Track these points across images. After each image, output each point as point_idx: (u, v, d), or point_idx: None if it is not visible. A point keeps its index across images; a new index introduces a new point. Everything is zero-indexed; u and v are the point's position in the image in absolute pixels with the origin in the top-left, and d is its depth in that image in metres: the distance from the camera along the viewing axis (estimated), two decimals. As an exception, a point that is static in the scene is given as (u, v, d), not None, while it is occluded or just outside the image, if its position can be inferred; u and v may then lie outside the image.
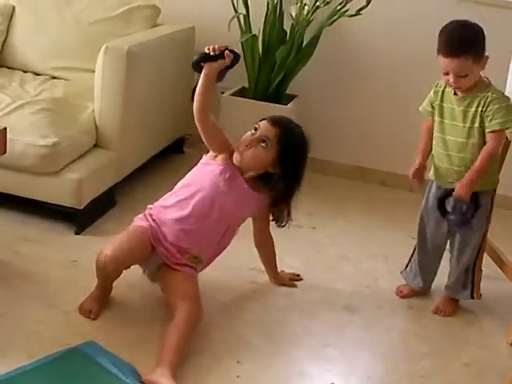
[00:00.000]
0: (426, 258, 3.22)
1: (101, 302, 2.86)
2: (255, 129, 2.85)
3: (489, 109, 2.89)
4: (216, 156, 2.92)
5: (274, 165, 2.86)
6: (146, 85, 3.73)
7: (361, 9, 3.99)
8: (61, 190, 3.33)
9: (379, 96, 4.45)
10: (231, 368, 2.65)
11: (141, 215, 2.93)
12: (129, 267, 2.84)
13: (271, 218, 3.05)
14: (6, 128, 2.84)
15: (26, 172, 3.31)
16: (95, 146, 3.55)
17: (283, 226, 3.04)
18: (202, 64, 2.86)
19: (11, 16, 4.18)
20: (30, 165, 3.28)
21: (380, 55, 4.37)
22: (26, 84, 3.85)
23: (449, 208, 3.07)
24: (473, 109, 2.93)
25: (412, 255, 3.27)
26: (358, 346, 2.89)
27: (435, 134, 3.08)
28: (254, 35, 4.09)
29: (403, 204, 4.28)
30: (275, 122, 2.88)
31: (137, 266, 2.93)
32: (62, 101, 3.59)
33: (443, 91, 3.04)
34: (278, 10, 4.11)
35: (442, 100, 3.04)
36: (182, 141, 4.54)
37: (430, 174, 3.17)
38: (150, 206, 2.95)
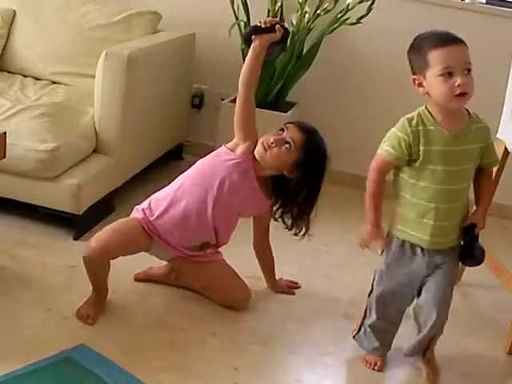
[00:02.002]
0: (385, 323, 2.80)
1: (98, 306, 2.86)
2: (282, 129, 2.86)
3: (490, 141, 2.59)
4: (237, 145, 2.91)
5: (291, 169, 2.87)
6: (146, 91, 3.73)
7: (361, 17, 4.00)
8: (60, 195, 3.33)
9: (378, 104, 4.46)
10: (228, 375, 2.64)
11: (139, 206, 2.96)
12: (115, 257, 2.85)
13: (284, 226, 3.07)
14: (5, 133, 2.84)
15: (25, 177, 3.31)
16: (94, 151, 3.55)
17: (300, 234, 3.06)
18: (253, 37, 2.82)
19: (12, 20, 4.20)
20: (29, 169, 3.28)
21: (380, 63, 4.38)
22: (26, 89, 3.86)
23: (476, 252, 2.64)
24: (475, 146, 2.53)
25: (364, 318, 2.84)
26: (356, 355, 2.89)
27: (421, 185, 2.51)
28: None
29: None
30: (304, 128, 2.91)
31: (133, 268, 2.94)
32: (61, 106, 3.59)
33: (426, 130, 2.49)
34: (278, 17, 4.11)
35: (428, 142, 2.48)
36: (181, 147, 4.55)
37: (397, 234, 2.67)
38: (153, 196, 2.97)
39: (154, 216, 2.88)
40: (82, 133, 3.47)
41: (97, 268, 2.84)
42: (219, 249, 3.04)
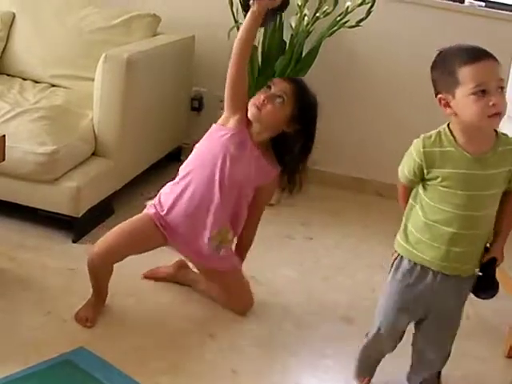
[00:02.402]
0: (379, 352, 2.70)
1: (96, 309, 2.86)
2: (269, 86, 2.80)
3: None
4: (228, 119, 2.85)
5: (288, 123, 2.80)
6: (145, 94, 3.73)
7: (360, 20, 3.99)
8: (59, 197, 3.32)
9: (377, 107, 4.46)
10: (226, 377, 2.65)
11: (153, 200, 2.96)
12: (122, 258, 2.86)
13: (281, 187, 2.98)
14: (4, 135, 2.84)
15: (24, 179, 3.31)
16: (94, 154, 3.55)
17: (294, 191, 2.96)
18: (251, 1, 2.77)
19: (11, 23, 4.19)
20: (28, 172, 3.28)
21: (379, 66, 4.39)
22: (25, 91, 3.85)
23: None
24: (500, 170, 2.31)
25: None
26: (356, 357, 2.89)
27: (438, 207, 2.35)
28: (254, 45, 4.09)
29: (399, 215, 4.27)
30: (290, 79, 2.90)
31: (132, 271, 2.94)
32: (61, 109, 3.59)
33: (444, 152, 2.31)
34: (277, 20, 4.11)
35: (445, 165, 2.30)
36: (181, 150, 4.54)
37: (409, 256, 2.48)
38: (162, 190, 2.97)
39: (165, 211, 2.87)
40: (81, 136, 3.47)
41: (99, 272, 2.84)
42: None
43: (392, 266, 2.53)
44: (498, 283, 2.49)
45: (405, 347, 2.63)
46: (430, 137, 2.35)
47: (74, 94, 3.87)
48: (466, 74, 2.19)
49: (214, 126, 2.89)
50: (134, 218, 2.92)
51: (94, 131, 3.53)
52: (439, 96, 2.30)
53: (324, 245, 3.79)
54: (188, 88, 4.41)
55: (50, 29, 4.12)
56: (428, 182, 2.36)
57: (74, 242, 3.40)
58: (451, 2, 4.30)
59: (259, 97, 2.78)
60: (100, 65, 3.46)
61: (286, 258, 3.55)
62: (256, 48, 4.10)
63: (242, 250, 3.09)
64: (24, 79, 4.09)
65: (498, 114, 2.18)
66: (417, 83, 4.34)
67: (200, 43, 4.29)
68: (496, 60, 2.23)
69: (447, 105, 2.29)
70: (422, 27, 4.29)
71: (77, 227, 3.41)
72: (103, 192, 3.57)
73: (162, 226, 2.87)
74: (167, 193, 2.90)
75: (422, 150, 2.32)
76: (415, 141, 2.39)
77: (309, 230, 3.91)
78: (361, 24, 4.00)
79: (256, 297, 3.16)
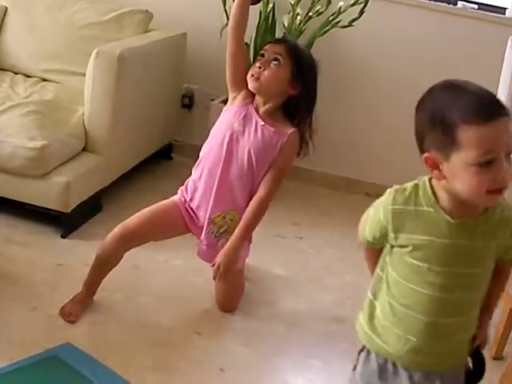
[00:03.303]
0: None
1: (84, 305, 2.85)
2: (261, 55, 2.76)
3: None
4: (234, 99, 2.83)
5: (292, 84, 2.75)
6: (136, 90, 3.72)
7: (353, 20, 3.99)
8: (48, 192, 3.31)
9: (368, 108, 4.46)
10: (214, 376, 2.65)
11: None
12: (140, 243, 2.86)
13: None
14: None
15: (14, 174, 3.30)
16: (84, 149, 3.54)
17: (307, 151, 2.89)
18: None
19: (3, 17, 4.18)
20: (17, 167, 3.27)
21: (371, 67, 4.39)
22: (16, 86, 3.84)
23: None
24: (495, 242, 1.79)
25: None
26: (343, 358, 2.88)
27: (405, 285, 1.83)
28: (246, 43, 4.08)
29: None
30: (279, 40, 2.88)
31: (120, 268, 2.93)
32: (51, 103, 3.58)
33: (419, 212, 1.79)
34: (270, 19, 4.11)
35: (418, 230, 1.78)
36: (171, 147, 4.54)
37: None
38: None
39: (189, 196, 2.88)
40: (72, 131, 3.45)
41: (109, 259, 2.84)
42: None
43: (356, 362, 2.01)
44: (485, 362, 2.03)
45: None
46: (404, 190, 1.83)
47: (65, 89, 3.86)
48: (470, 136, 1.64)
49: (223, 109, 2.88)
50: (161, 203, 2.90)
51: (84, 127, 3.52)
52: (426, 155, 1.76)
53: (314, 244, 3.79)
54: (179, 85, 4.41)
55: (41, 23, 4.11)
56: (394, 250, 1.85)
57: (62, 237, 3.38)
58: (444, 4, 4.30)
59: (255, 66, 2.74)
60: (91, 60, 3.45)
61: (276, 257, 3.55)
62: (248, 46, 4.10)
63: (241, 225, 2.82)
64: (15, 73, 4.08)
65: (503, 189, 1.68)
66: (408, 84, 4.36)
67: (192, 40, 4.28)
68: (508, 115, 1.68)
69: (435, 166, 1.74)
70: (415, 29, 4.29)
71: (66, 222, 3.40)
72: (92, 188, 3.56)
73: (187, 211, 2.87)
74: (190, 178, 2.90)
75: (390, 207, 1.80)
76: (387, 191, 1.87)
77: (299, 230, 3.91)
78: (353, 24, 4.00)
79: (245, 295, 3.16)
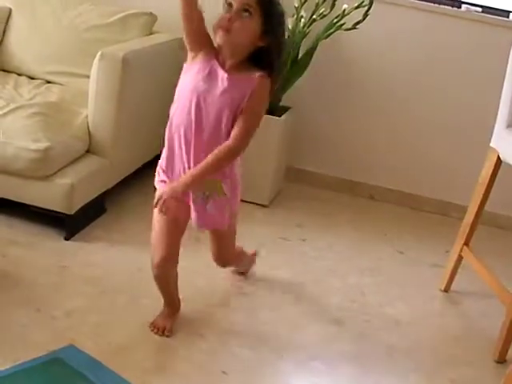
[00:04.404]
0: None
1: (173, 319, 2.89)
2: (229, 4, 2.54)
3: None
4: (194, 58, 2.64)
5: (262, 35, 2.53)
6: (140, 92, 3.73)
7: (357, 23, 3.99)
8: (52, 194, 3.31)
9: (372, 110, 4.47)
10: (217, 378, 2.64)
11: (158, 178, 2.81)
12: (177, 253, 2.78)
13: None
14: (-3, 129, 2.86)
15: (18, 176, 3.29)
16: (87, 151, 3.54)
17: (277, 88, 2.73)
18: None
19: (8, 18, 4.18)
20: (21, 168, 3.26)
21: (375, 69, 4.39)
22: (20, 87, 3.84)
23: None
24: None
25: None
26: (345, 360, 2.89)
27: None
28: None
29: (391, 218, 4.30)
30: None
31: (124, 268, 2.92)
32: (55, 105, 3.58)
33: None
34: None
35: None
36: (175, 149, 4.53)
37: None
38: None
39: (168, 174, 2.74)
40: (76, 133, 3.46)
41: (168, 278, 2.83)
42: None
43: None
44: None
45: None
46: None
47: (69, 91, 3.86)
48: None
49: (183, 68, 2.70)
50: (155, 217, 2.77)
51: (88, 129, 3.52)
52: None
53: (317, 247, 3.79)
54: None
55: (46, 25, 4.11)
56: None
57: (66, 239, 3.38)
58: (448, 7, 4.31)
59: (223, 18, 2.53)
60: (96, 62, 3.45)
61: (279, 260, 3.56)
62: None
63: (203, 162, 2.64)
64: (19, 75, 4.08)
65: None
66: (412, 87, 4.38)
67: (196, 43, 4.28)
68: None
69: None
70: (419, 31, 4.30)
71: (69, 224, 3.40)
72: (96, 190, 3.56)
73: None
74: (162, 157, 2.78)
75: None
76: None
77: (303, 232, 3.91)
78: (357, 27, 4.00)
79: (247, 297, 3.17)
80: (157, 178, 2.79)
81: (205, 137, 2.61)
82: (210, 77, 2.58)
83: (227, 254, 3.08)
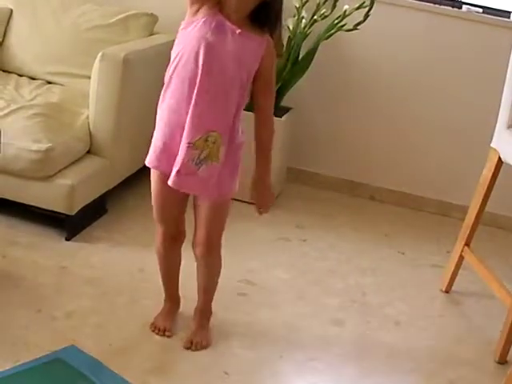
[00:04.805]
0: None
1: (173, 317, 2.89)
2: None
3: None
4: (195, 13, 2.52)
5: None
6: (141, 93, 3.72)
7: (358, 24, 3.99)
8: (53, 195, 3.32)
9: (373, 111, 4.47)
10: (218, 379, 2.65)
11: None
12: (178, 220, 2.74)
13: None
14: (0, 130, 2.86)
15: (19, 176, 3.30)
16: (88, 152, 3.54)
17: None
18: None
19: (8, 19, 4.18)
20: (22, 169, 3.27)
21: (375, 70, 4.39)
22: (21, 88, 3.85)
23: None
24: None
25: None
26: (345, 361, 2.90)
27: None
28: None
29: (392, 219, 4.31)
30: None
31: (123, 269, 2.92)
32: (56, 106, 3.59)
33: None
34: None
35: None
36: (175, 149, 4.53)
37: None
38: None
39: (161, 146, 2.62)
40: (77, 134, 3.46)
41: (171, 258, 2.81)
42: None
43: None
44: None
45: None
46: None
47: (70, 92, 3.87)
48: None
49: (181, 24, 2.58)
50: (152, 184, 2.70)
51: (89, 129, 3.52)
52: None
53: (317, 247, 3.79)
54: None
55: (46, 25, 4.11)
56: None
57: (66, 239, 3.39)
58: (449, 8, 4.31)
59: None
60: (97, 63, 3.46)
61: (279, 260, 3.56)
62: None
63: (261, 154, 2.65)
64: (20, 75, 4.08)
65: None
66: (413, 88, 4.38)
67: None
68: None
69: None
70: (420, 32, 4.30)
71: (70, 225, 3.41)
72: (97, 190, 3.56)
73: (166, 162, 2.59)
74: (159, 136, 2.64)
75: None
76: None
77: (303, 233, 3.92)
78: (358, 27, 4.01)
79: (248, 297, 3.18)
80: (153, 158, 2.64)
81: (211, 92, 2.49)
82: (218, 29, 2.47)
83: (214, 238, 2.73)
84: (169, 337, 2.81)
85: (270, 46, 2.54)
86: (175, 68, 2.54)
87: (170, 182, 2.55)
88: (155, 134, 2.64)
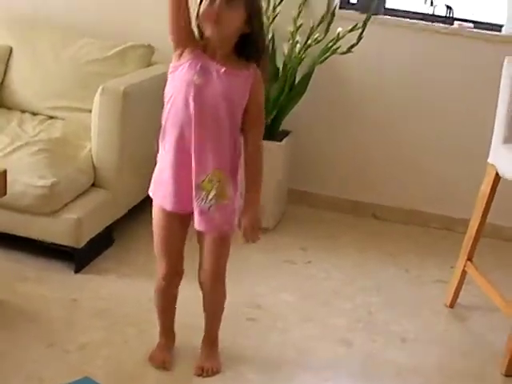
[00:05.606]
0: None
1: (169, 350, 2.91)
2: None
3: None
4: (180, 55, 2.58)
5: (248, 21, 2.54)
6: (142, 124, 3.77)
7: (352, 46, 4.04)
8: (60, 229, 3.36)
9: (370, 131, 4.52)
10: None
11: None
12: (178, 260, 2.77)
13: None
14: (5, 170, 2.91)
15: (25, 212, 3.35)
16: (93, 185, 3.60)
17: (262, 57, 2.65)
18: None
19: (9, 56, 4.25)
20: (28, 205, 3.32)
21: (371, 90, 4.45)
22: (24, 124, 3.91)
23: None
24: None
25: None
26: (355, 381, 2.93)
27: None
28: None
29: (395, 236, 4.34)
30: None
31: (133, 300, 2.95)
32: (59, 141, 3.65)
33: None
34: (270, 47, 4.17)
35: None
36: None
37: None
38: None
39: (160, 181, 2.70)
40: (80, 167, 3.52)
41: (170, 295, 2.83)
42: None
43: None
44: None
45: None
46: None
47: (72, 126, 3.93)
48: None
49: (170, 68, 2.64)
50: (154, 219, 2.75)
51: (92, 162, 3.58)
52: None
53: (322, 268, 3.82)
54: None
55: (46, 61, 4.18)
56: None
57: (75, 272, 3.43)
58: (441, 25, 4.36)
59: (210, 10, 2.50)
60: (97, 97, 3.52)
61: (285, 283, 3.60)
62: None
63: (250, 186, 2.69)
64: (23, 111, 4.15)
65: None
66: (409, 105, 4.42)
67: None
68: None
69: None
70: (413, 50, 4.35)
71: (78, 258, 3.45)
72: (103, 222, 3.61)
73: (172, 200, 2.67)
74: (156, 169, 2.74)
75: None
76: None
77: (307, 255, 3.96)
78: (352, 50, 4.06)
79: (256, 323, 3.21)
80: (155, 193, 2.73)
81: (207, 133, 2.57)
82: (204, 71, 2.54)
83: (220, 268, 2.80)
84: (168, 369, 2.82)
85: (257, 78, 2.60)
86: (168, 116, 2.66)
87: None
88: (159, 172, 2.71)
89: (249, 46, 2.58)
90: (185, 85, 2.55)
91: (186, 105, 2.55)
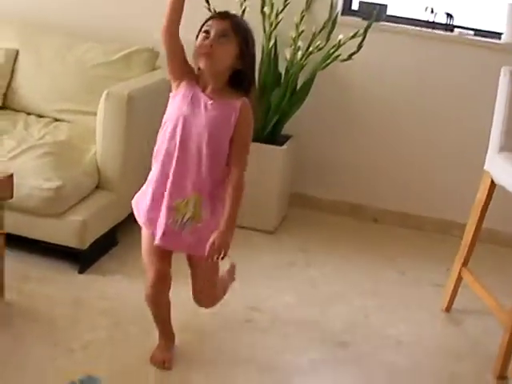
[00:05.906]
0: None
1: (170, 350, 2.94)
2: (206, 32, 2.64)
3: None
4: (177, 88, 2.75)
5: (240, 57, 2.67)
6: (146, 127, 3.80)
7: (352, 54, 4.10)
8: (65, 231, 3.43)
9: (371, 135, 4.57)
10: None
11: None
12: (168, 276, 2.82)
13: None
14: (12, 174, 2.97)
15: (31, 214, 3.41)
16: (97, 187, 3.66)
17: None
18: None
19: (15, 60, 4.31)
20: (34, 207, 3.38)
21: (372, 96, 4.50)
22: (30, 127, 3.97)
23: None
24: None
25: None
26: (351, 383, 2.99)
27: None
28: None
29: (394, 240, 4.38)
30: (222, 15, 2.71)
31: (136, 300, 3.00)
32: (65, 144, 3.71)
33: None
34: (272, 53, 4.23)
35: None
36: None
37: None
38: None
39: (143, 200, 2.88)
40: (85, 170, 3.58)
41: (161, 301, 2.87)
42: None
43: None
44: None
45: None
46: None
47: (77, 129, 3.99)
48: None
49: (170, 98, 2.81)
50: (142, 241, 2.90)
51: (97, 165, 3.64)
52: None
53: (321, 271, 3.87)
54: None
55: (52, 64, 4.24)
56: None
57: (79, 272, 3.49)
58: (441, 32, 4.41)
59: (204, 45, 2.62)
60: (102, 101, 3.58)
61: (285, 285, 3.64)
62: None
63: (231, 204, 2.70)
64: (28, 114, 4.21)
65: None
66: (409, 111, 4.47)
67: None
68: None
69: None
70: (413, 57, 4.39)
71: (82, 259, 3.51)
72: (107, 224, 3.68)
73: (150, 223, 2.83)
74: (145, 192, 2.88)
75: None
76: None
77: (308, 257, 4.01)
78: (352, 58, 4.12)
79: (255, 325, 3.26)
80: (141, 216, 2.89)
81: (188, 160, 2.69)
82: (193, 102, 2.68)
83: (202, 292, 2.96)
84: (168, 369, 2.87)
85: (245, 111, 2.69)
86: (162, 139, 2.77)
87: (156, 242, 2.77)
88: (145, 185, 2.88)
89: (240, 80, 2.71)
90: (177, 114, 2.71)
91: (174, 135, 2.70)
